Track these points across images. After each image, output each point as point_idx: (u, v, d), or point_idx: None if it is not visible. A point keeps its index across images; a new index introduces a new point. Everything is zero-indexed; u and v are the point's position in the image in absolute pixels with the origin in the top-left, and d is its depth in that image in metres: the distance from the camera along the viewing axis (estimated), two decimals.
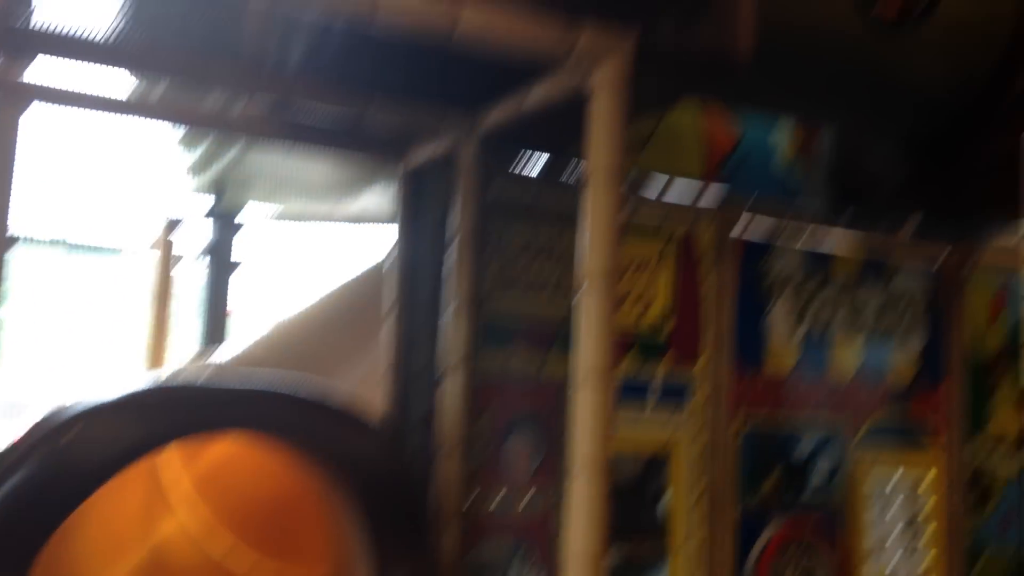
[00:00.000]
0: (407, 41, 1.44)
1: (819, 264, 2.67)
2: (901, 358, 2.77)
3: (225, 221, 3.18)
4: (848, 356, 2.68)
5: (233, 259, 3.26)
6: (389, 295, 2.09)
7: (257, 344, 2.36)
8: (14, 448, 1.33)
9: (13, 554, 1.28)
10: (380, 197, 2.42)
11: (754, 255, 2.56)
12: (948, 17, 2.26)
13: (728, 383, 2.45)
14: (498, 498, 2.08)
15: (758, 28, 1.83)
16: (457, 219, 1.93)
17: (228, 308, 3.24)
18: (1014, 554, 2.74)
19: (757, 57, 1.83)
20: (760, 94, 2.33)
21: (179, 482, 1.76)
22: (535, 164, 2.22)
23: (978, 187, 2.56)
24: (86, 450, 1.33)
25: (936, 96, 2.40)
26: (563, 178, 2.23)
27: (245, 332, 2.59)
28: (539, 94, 1.72)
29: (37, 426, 1.35)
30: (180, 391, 1.49)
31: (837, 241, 2.72)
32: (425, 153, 2.00)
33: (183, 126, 2.04)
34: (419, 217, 2.07)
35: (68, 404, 1.39)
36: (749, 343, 2.52)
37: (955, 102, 2.41)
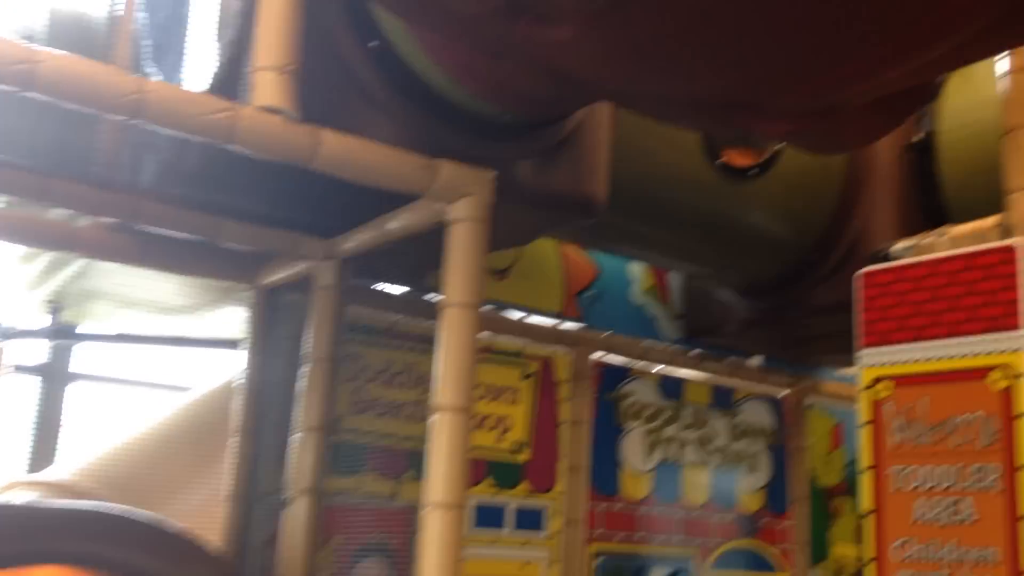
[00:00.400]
0: (265, 165, 1.46)
1: (672, 393, 2.77)
2: (750, 486, 2.88)
3: (63, 336, 3.05)
4: (700, 483, 2.77)
5: (70, 374, 3.12)
6: (237, 417, 2.03)
7: (91, 465, 2.24)
8: None
9: None
10: (230, 316, 2.38)
11: (611, 381, 2.64)
12: (788, 169, 2.44)
13: (583, 510, 2.48)
14: None
15: (612, 172, 1.94)
16: (311, 341, 1.91)
17: (62, 425, 3.07)
18: None
19: (610, 200, 1.94)
20: (612, 235, 2.44)
21: None
22: (396, 286, 2.25)
23: (812, 332, 2.72)
24: None
25: (775, 243, 2.57)
26: (424, 299, 2.26)
27: (79, 451, 2.46)
28: (399, 222, 1.75)
29: None
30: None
31: (690, 371, 2.85)
32: (280, 274, 1.99)
33: (22, 243, 1.97)
34: (271, 337, 2.04)
35: None
36: (604, 470, 2.57)
37: (792, 250, 2.59)
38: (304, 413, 1.86)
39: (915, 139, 2.41)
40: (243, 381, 2.03)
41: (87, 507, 1.55)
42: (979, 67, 2.18)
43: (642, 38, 1.29)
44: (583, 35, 1.29)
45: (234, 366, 2.09)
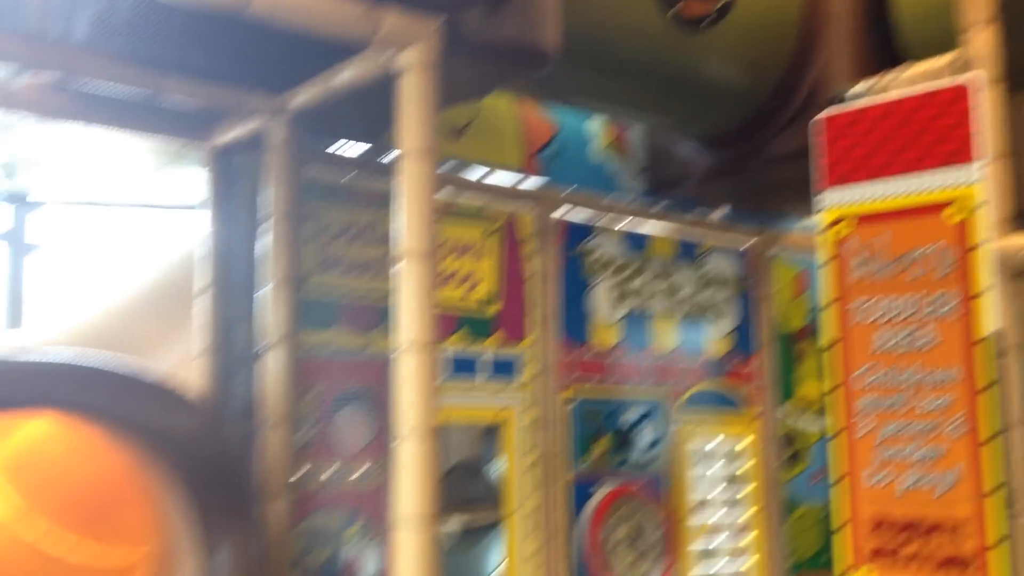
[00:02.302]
0: (203, 15, 1.47)
1: (637, 246, 2.84)
2: (717, 333, 2.98)
3: (19, 203, 3.06)
4: (668, 332, 2.87)
5: (28, 242, 3.13)
6: (202, 277, 2.08)
7: (63, 329, 2.30)
8: None
9: None
10: (186, 179, 2.41)
11: (576, 237, 2.71)
12: (743, 17, 2.43)
13: (556, 358, 2.58)
14: (330, 471, 2.12)
15: (564, 23, 1.94)
16: (271, 198, 1.95)
17: (26, 293, 3.09)
18: (823, 507, 2.98)
19: (563, 51, 1.94)
20: (567, 89, 2.46)
21: None
22: (352, 146, 2.27)
23: (774, 181, 2.77)
24: None
25: (733, 93, 2.59)
26: (380, 160, 2.29)
27: (46, 318, 2.51)
28: (348, 74, 1.77)
29: None
30: None
31: (654, 225, 2.91)
32: (233, 133, 2.01)
33: None
34: (230, 197, 2.06)
35: None
36: (574, 320, 2.65)
37: (751, 99, 2.61)
38: (272, 266, 1.92)
39: None
40: (205, 241, 2.07)
41: (72, 356, 1.61)
42: None
43: None
44: None
45: (195, 228, 2.13)
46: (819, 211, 1.90)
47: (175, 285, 2.26)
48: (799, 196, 2.79)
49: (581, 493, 2.57)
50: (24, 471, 1.69)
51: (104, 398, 1.58)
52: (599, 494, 2.59)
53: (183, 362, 2.06)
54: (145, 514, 1.76)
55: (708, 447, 2.89)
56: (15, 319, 3.00)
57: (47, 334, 2.25)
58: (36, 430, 1.69)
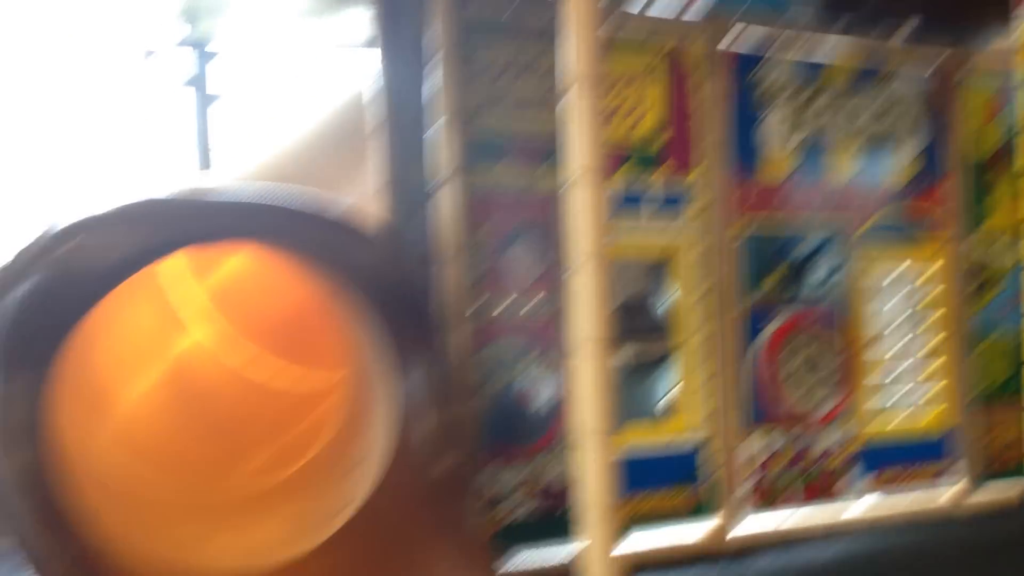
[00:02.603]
0: None
1: (813, 73, 2.67)
2: (900, 159, 2.80)
3: (200, 49, 3.19)
4: (846, 160, 2.72)
5: (211, 90, 3.28)
6: (375, 115, 2.13)
7: (249, 171, 2.43)
8: (17, 259, 1.40)
9: (31, 356, 1.37)
10: (357, 20, 2.43)
11: (745, 66, 2.57)
12: None
13: (725, 190, 2.51)
14: (504, 303, 2.19)
15: None
16: (436, 36, 1.95)
17: (212, 139, 3.26)
18: (1014, 337, 2.83)
19: None
20: None
21: (193, 298, 1.84)
22: None
23: None
24: (87, 259, 1.40)
25: None
26: None
27: (231, 162, 2.65)
28: None
29: (37, 239, 1.42)
30: (180, 202, 1.56)
31: (831, 49, 2.72)
32: None
33: None
34: (398, 36, 2.08)
35: (67, 216, 1.45)
36: (745, 151, 2.56)
37: None
38: (441, 103, 1.94)
39: None
40: (376, 80, 2.11)
41: (266, 193, 1.69)
42: None
43: None
44: None
45: (365, 68, 2.16)
46: (1019, 24, 1.72)
47: (351, 125, 2.33)
48: (997, 7, 2.53)
49: (754, 325, 2.55)
50: (231, 300, 1.83)
51: (297, 232, 1.66)
52: (772, 325, 2.57)
53: (362, 199, 2.14)
54: (340, 341, 1.88)
55: (889, 277, 2.77)
56: (204, 163, 3.19)
57: (235, 175, 2.38)
58: (239, 262, 1.81)
